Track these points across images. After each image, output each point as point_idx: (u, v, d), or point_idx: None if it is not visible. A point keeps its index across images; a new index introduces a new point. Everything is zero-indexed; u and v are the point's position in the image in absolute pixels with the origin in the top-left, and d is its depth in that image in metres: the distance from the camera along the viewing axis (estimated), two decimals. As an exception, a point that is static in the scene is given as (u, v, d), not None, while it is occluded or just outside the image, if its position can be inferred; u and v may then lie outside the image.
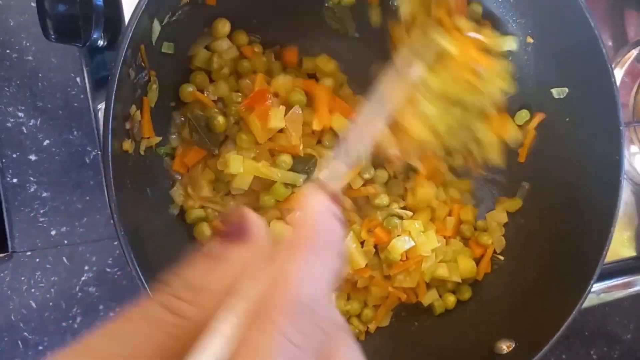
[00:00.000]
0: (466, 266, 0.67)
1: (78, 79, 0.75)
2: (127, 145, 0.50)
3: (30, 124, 0.74)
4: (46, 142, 0.74)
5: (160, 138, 0.56)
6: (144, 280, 0.43)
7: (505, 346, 0.58)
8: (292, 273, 0.24)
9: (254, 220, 0.26)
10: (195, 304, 0.24)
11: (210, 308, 0.24)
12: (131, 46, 0.45)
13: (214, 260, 0.25)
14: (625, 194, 0.87)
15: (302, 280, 0.23)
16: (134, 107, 0.51)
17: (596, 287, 0.83)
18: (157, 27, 0.51)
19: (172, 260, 0.56)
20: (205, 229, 0.59)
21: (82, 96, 0.75)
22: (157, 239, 0.54)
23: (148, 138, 0.54)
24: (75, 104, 0.75)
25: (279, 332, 0.22)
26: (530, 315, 0.61)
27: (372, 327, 0.65)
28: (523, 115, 0.69)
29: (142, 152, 0.53)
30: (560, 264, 0.63)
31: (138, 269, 0.43)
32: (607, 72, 0.60)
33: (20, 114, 0.73)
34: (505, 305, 0.64)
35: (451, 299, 0.66)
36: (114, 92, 0.42)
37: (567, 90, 0.65)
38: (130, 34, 0.44)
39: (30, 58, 0.74)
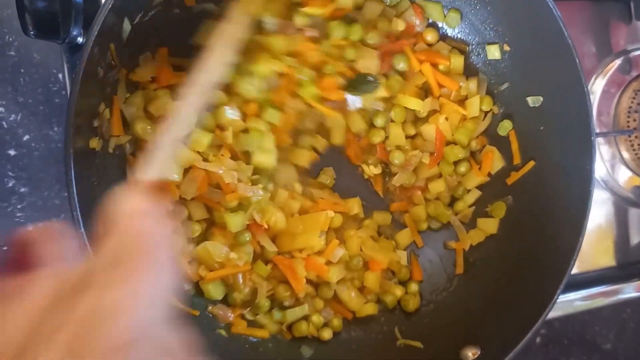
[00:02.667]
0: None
1: (60, 75, 0.75)
2: (95, 143, 0.50)
3: (11, 118, 0.74)
4: (26, 137, 0.74)
5: (130, 137, 0.56)
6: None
7: (470, 353, 0.59)
8: (110, 306, 0.18)
9: (49, 240, 0.20)
10: None
11: None
12: (98, 44, 0.46)
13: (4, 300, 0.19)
14: (606, 205, 0.88)
15: (123, 313, 0.18)
16: (102, 105, 0.51)
17: (575, 295, 0.84)
18: (127, 26, 0.51)
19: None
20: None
21: (63, 92, 0.75)
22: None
23: (118, 136, 0.54)
24: (57, 100, 0.75)
25: None
26: (497, 323, 0.61)
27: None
28: (506, 125, 0.69)
29: (110, 150, 0.53)
30: (530, 271, 0.63)
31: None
32: (581, 84, 0.60)
33: (0, 109, 0.73)
34: (473, 312, 0.64)
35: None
36: (77, 90, 0.42)
37: (541, 99, 0.65)
38: (96, 33, 0.44)
39: (12, 53, 0.74)
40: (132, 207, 0.22)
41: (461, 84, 0.69)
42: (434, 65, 0.68)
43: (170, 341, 0.20)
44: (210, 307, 0.60)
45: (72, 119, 0.42)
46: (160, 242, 0.21)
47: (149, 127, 0.56)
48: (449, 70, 0.69)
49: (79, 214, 0.43)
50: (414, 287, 0.69)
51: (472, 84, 0.69)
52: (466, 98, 0.70)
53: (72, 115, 0.42)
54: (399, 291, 0.67)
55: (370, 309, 0.67)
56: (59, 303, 0.19)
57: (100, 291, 0.19)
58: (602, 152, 0.87)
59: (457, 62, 0.69)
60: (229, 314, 0.61)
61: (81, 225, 0.43)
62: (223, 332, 0.60)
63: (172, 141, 0.34)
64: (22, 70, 0.74)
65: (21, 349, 0.18)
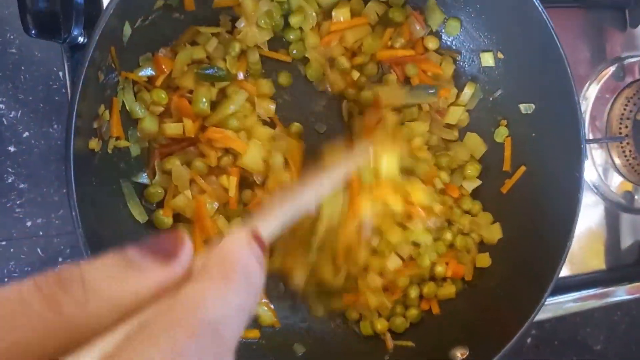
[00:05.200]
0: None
1: (60, 74, 0.76)
2: (94, 144, 0.51)
3: (11, 115, 0.75)
4: (26, 134, 0.75)
5: (130, 143, 0.57)
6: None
7: (459, 353, 0.60)
8: (200, 292, 0.22)
9: (186, 245, 0.24)
10: (82, 307, 0.21)
11: (99, 317, 0.21)
12: (99, 48, 0.47)
13: (129, 267, 0.22)
14: (598, 209, 0.89)
15: (210, 302, 0.21)
16: (102, 107, 0.52)
17: (566, 297, 0.85)
18: (128, 29, 0.52)
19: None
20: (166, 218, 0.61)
21: (63, 91, 0.76)
22: (121, 237, 0.55)
23: (117, 138, 0.55)
24: (57, 98, 0.76)
25: (176, 348, 0.19)
26: (486, 325, 0.63)
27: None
28: (502, 132, 0.71)
29: (109, 151, 0.54)
30: (519, 275, 0.65)
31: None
32: (572, 92, 0.61)
33: (1, 106, 0.74)
34: (463, 314, 0.65)
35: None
36: (78, 93, 0.43)
37: (533, 106, 0.67)
38: (97, 36, 0.45)
39: (13, 51, 0.75)
40: (247, 244, 0.25)
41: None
42: (424, 72, 0.69)
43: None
44: None
45: (74, 122, 0.43)
46: (257, 280, 0.25)
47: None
48: (438, 77, 0.70)
49: (78, 214, 0.44)
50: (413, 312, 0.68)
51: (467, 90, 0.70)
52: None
53: (74, 119, 0.43)
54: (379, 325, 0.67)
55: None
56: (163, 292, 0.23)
57: (194, 284, 0.22)
58: (595, 157, 0.88)
59: (448, 69, 0.70)
60: None
61: (79, 224, 0.44)
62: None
63: (290, 214, 0.37)
64: (23, 68, 0.75)
65: (131, 303, 0.22)
